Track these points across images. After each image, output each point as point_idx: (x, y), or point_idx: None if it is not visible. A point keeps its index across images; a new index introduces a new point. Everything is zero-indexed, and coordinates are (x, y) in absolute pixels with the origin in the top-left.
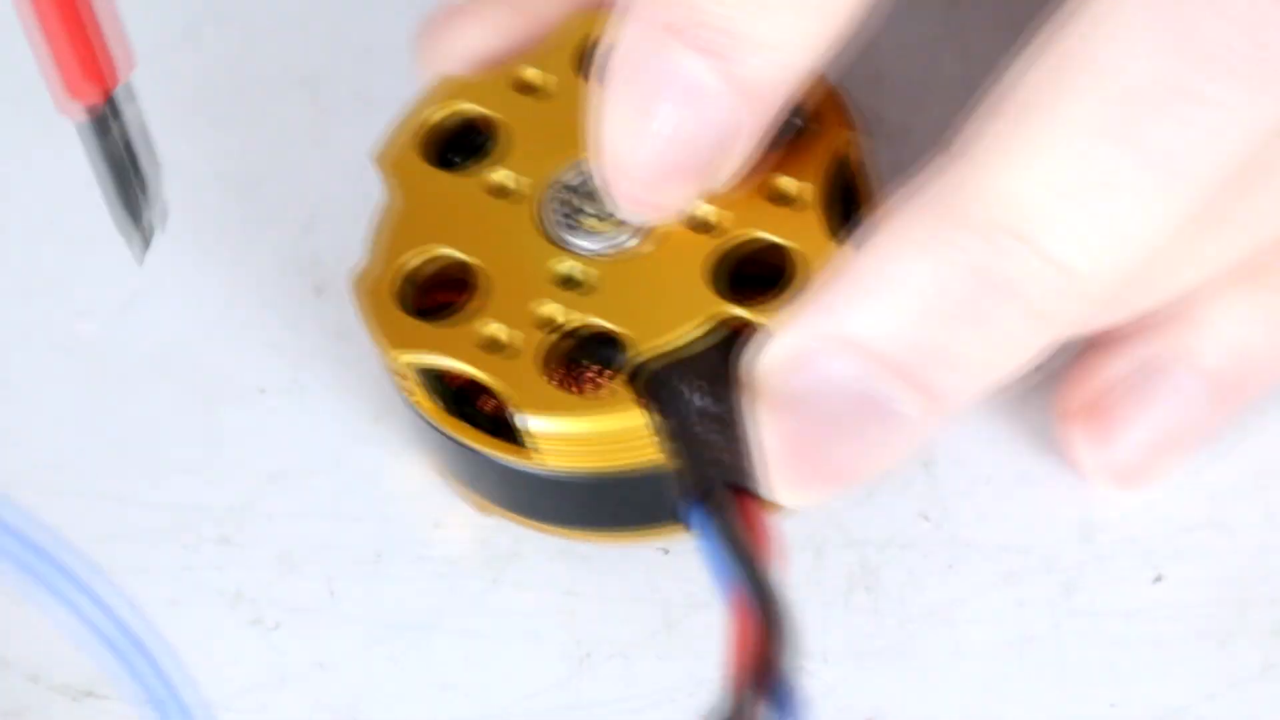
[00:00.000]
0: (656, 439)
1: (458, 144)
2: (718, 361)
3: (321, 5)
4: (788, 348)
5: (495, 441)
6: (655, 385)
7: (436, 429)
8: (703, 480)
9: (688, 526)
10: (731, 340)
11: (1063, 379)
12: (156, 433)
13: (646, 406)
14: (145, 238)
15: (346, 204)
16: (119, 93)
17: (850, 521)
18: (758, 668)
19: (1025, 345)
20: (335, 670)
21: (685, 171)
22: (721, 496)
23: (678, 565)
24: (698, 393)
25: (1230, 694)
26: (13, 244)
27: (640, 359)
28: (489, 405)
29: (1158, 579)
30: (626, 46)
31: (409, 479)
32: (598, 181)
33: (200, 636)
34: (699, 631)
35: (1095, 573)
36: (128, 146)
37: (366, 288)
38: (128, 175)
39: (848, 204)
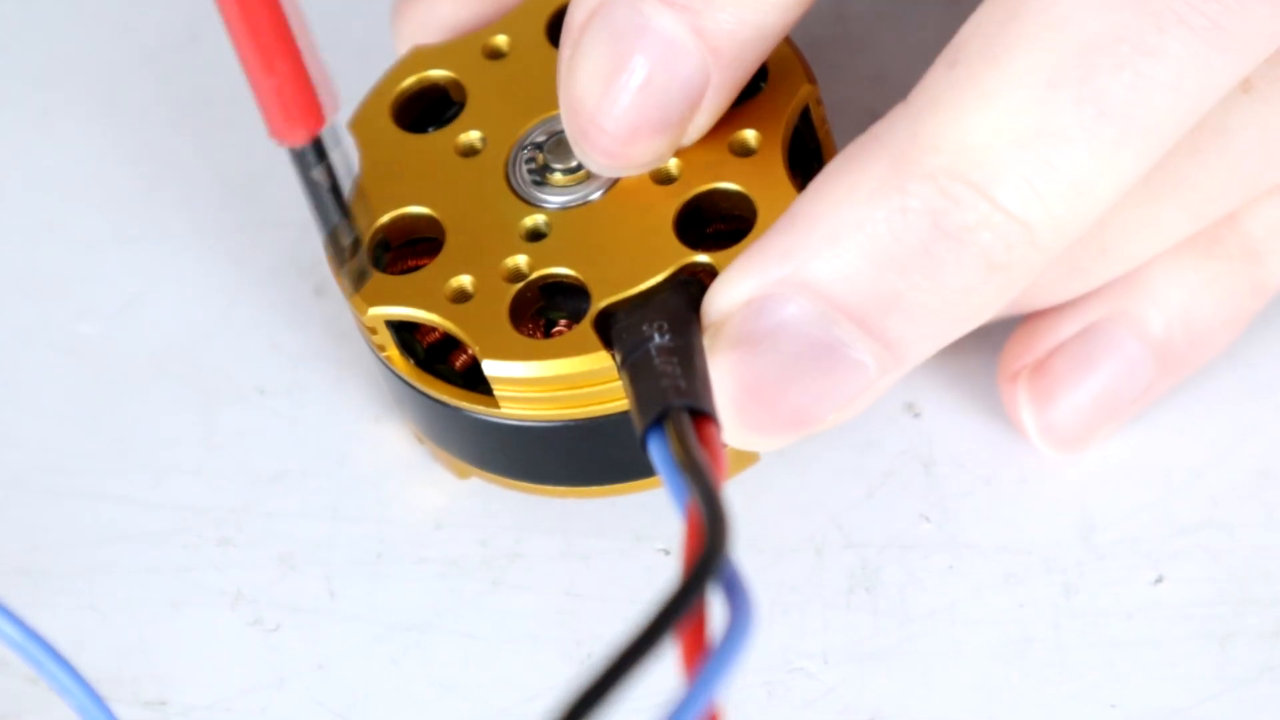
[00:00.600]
0: (618, 376)
1: (431, 112)
2: (681, 305)
3: (321, 5)
4: (744, 291)
5: (466, 394)
6: (619, 328)
7: (409, 385)
8: (660, 403)
9: (645, 450)
10: (695, 286)
11: (1008, 340)
12: (157, 433)
13: (611, 350)
14: (352, 276)
15: None
16: (325, 135)
17: (851, 522)
18: (705, 558)
19: (981, 297)
20: (335, 671)
21: (656, 125)
22: (678, 418)
23: (678, 566)
24: (658, 331)
25: (1230, 695)
26: (13, 245)
27: (605, 304)
28: (460, 361)
29: (1158, 580)
30: (599, 1)
31: (409, 480)
32: (569, 135)
33: (201, 637)
34: None
35: (1095, 573)
36: (333, 187)
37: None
38: (330, 213)
39: (809, 156)
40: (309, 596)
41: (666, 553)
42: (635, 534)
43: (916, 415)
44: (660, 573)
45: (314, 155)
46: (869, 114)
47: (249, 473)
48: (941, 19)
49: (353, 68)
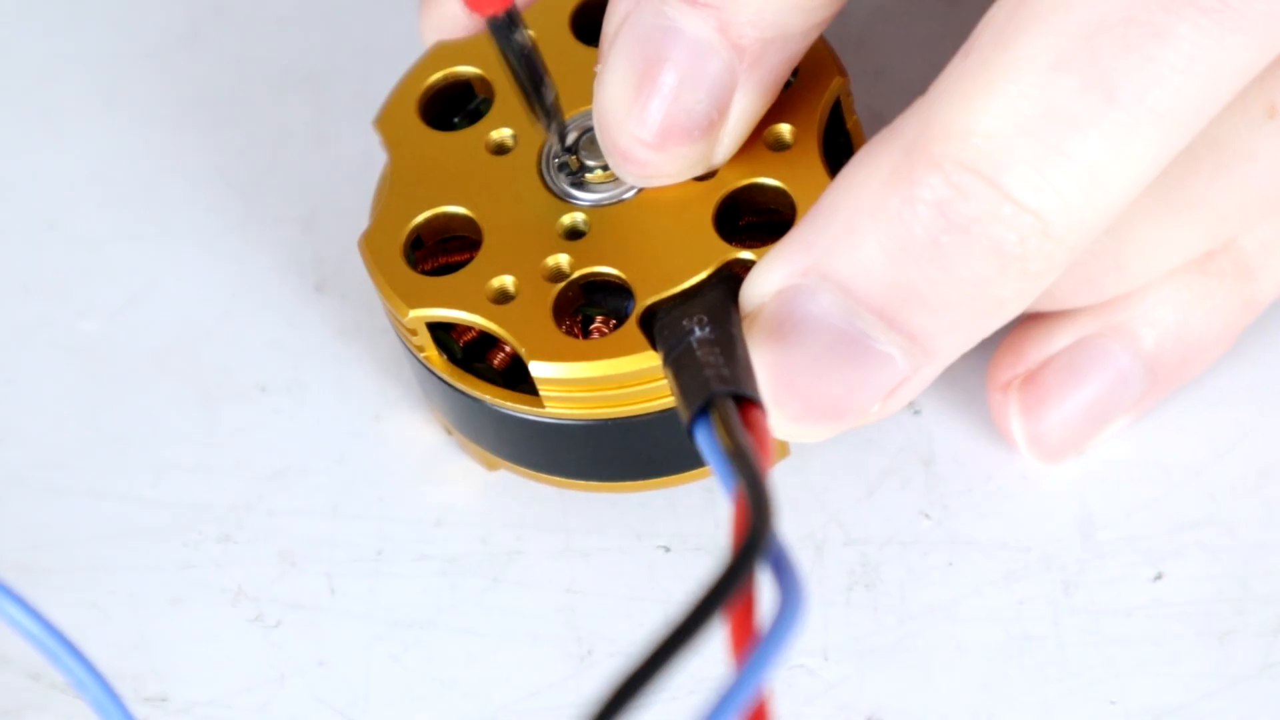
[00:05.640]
0: (662, 371)
1: (457, 107)
2: (720, 298)
3: (321, 4)
4: (774, 281)
5: (509, 394)
6: (660, 325)
7: (447, 384)
8: (704, 391)
9: (692, 439)
10: (736, 282)
11: (996, 351)
12: (157, 431)
13: (656, 348)
14: (548, 121)
15: (347, 202)
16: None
17: (851, 519)
18: (752, 537)
19: (1000, 289)
20: (336, 668)
21: (686, 131)
22: (722, 405)
23: (678, 563)
24: (698, 324)
25: (1229, 692)
26: (14, 243)
27: (649, 303)
28: (498, 359)
29: (1157, 577)
30: (625, 7)
31: (410, 477)
32: (603, 148)
33: (201, 634)
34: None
35: (1095, 571)
36: (531, 49)
37: (375, 247)
38: (534, 73)
39: (842, 148)
40: (309, 593)
41: (666, 550)
42: (635, 531)
43: (916, 413)
44: (660, 570)
45: (511, 21)
46: (869, 111)
47: (250, 470)
48: (941, 15)
49: (377, 65)
